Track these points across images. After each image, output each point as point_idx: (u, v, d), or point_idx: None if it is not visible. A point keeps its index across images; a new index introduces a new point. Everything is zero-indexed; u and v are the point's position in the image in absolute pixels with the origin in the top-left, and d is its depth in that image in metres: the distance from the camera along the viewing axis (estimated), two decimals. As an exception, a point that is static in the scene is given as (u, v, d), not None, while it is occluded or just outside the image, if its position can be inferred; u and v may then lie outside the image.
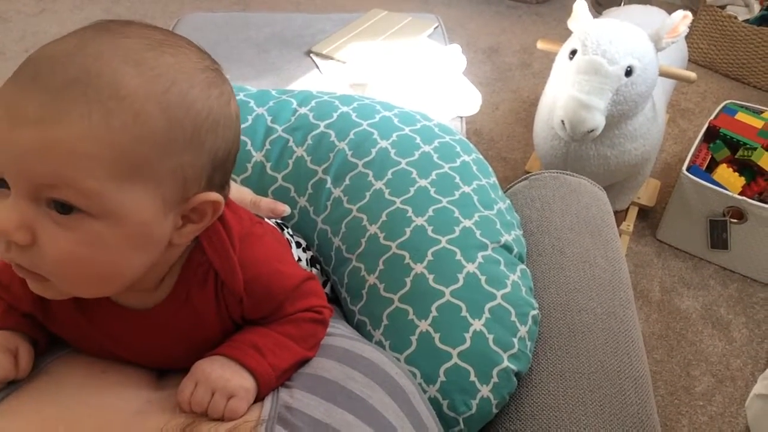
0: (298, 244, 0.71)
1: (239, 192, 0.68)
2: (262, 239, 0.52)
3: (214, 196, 0.44)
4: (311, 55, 1.45)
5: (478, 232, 0.69)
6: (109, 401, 0.45)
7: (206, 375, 0.45)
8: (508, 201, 0.79)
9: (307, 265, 0.71)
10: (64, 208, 0.38)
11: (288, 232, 0.71)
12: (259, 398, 0.46)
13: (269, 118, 0.79)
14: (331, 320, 0.57)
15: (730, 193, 1.46)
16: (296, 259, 0.68)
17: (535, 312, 0.68)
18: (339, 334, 0.58)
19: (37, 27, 2.41)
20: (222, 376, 0.45)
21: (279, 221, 0.73)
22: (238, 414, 0.44)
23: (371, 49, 1.45)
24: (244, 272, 0.48)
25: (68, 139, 0.37)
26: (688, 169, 1.52)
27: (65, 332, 0.50)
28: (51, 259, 0.39)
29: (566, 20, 1.30)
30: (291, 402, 0.45)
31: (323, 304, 0.54)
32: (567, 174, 0.88)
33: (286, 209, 0.70)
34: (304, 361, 0.51)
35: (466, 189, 0.73)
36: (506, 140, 1.96)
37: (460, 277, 0.65)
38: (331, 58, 1.43)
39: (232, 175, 0.74)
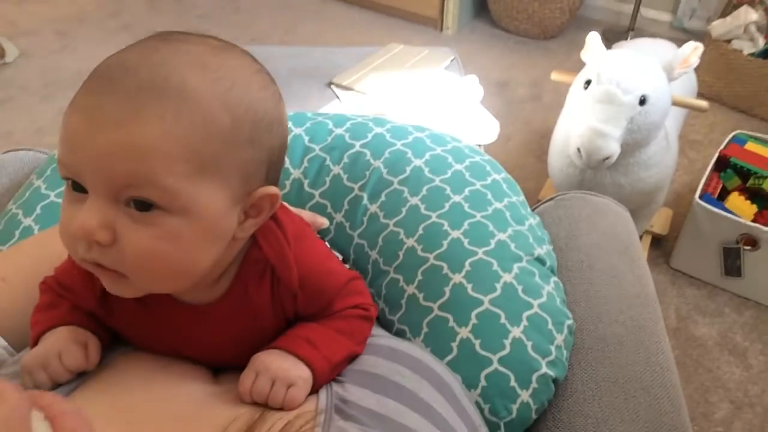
0: (335, 257, 0.74)
1: None
2: (314, 240, 0.55)
3: (273, 189, 0.47)
4: (332, 86, 1.50)
5: (512, 245, 0.71)
6: (175, 392, 0.47)
7: (266, 365, 0.47)
8: (537, 217, 0.81)
9: (345, 276, 0.73)
10: (143, 205, 0.40)
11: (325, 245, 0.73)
12: (314, 390, 0.48)
13: (307, 138, 0.82)
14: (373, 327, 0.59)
15: (742, 221, 1.48)
16: None
17: (570, 322, 0.69)
18: (383, 335, 0.59)
19: (59, 63, 2.48)
20: (281, 366, 0.47)
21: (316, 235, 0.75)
22: (297, 402, 0.46)
23: (391, 80, 1.50)
24: (299, 268, 0.50)
25: (148, 139, 0.39)
26: (700, 197, 1.55)
27: (126, 329, 0.52)
28: (131, 255, 0.41)
29: (573, 54, 1.35)
30: (345, 395, 0.47)
31: (369, 302, 0.56)
32: (592, 194, 0.91)
33: (325, 222, 0.73)
34: (354, 356, 0.53)
35: (498, 205, 0.76)
36: (519, 170, 1.99)
37: (498, 286, 0.67)
38: (352, 89, 1.47)
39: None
